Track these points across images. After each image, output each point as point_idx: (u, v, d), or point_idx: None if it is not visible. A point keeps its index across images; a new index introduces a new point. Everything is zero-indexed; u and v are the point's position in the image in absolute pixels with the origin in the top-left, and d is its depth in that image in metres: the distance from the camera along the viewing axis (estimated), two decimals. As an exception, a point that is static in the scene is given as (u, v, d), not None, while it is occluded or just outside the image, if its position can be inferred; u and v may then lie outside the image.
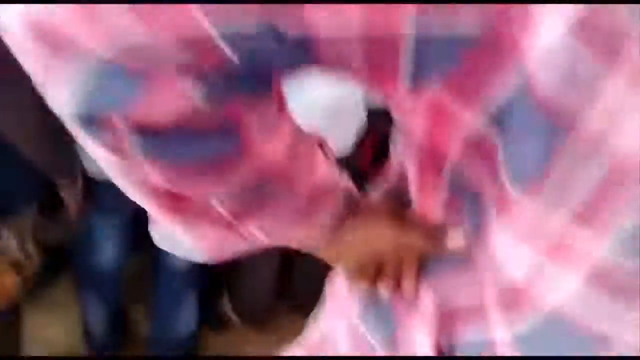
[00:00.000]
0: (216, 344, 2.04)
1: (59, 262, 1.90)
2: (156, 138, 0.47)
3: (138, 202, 0.56)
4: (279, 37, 0.42)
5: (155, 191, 0.53)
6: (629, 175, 0.41)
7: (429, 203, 0.59)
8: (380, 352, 0.68)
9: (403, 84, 0.46)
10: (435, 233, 0.61)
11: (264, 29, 0.41)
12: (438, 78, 0.45)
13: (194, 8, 0.40)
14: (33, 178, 1.40)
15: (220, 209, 0.56)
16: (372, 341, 0.68)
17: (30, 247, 1.48)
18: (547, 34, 0.39)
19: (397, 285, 0.65)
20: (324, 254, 0.69)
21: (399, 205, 0.65)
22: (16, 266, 1.45)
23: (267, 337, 2.01)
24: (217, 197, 0.55)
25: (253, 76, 0.47)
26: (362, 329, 0.69)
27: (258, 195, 0.57)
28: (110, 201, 1.64)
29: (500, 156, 0.46)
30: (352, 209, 0.65)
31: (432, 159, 0.53)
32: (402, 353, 0.66)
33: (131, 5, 0.39)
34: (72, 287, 1.94)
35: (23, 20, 0.41)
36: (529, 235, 0.47)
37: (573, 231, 0.45)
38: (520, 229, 0.48)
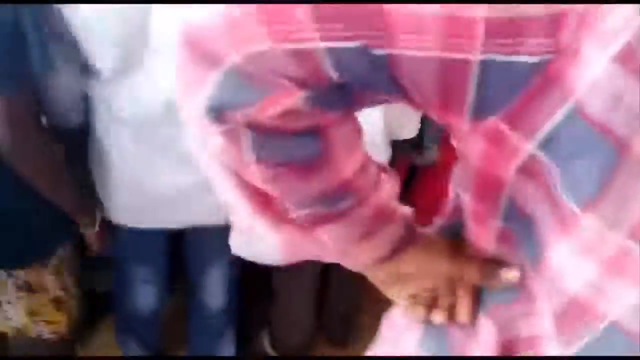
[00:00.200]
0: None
1: (107, 306, 1.93)
2: (262, 135, 0.56)
3: (232, 200, 0.64)
4: (371, 57, 0.49)
5: (252, 189, 0.61)
6: None
7: (483, 234, 0.62)
8: None
9: (468, 111, 0.50)
10: (490, 266, 0.63)
11: (361, 48, 0.48)
12: (498, 108, 0.49)
13: (310, 24, 0.47)
14: (62, 220, 1.45)
15: (298, 213, 0.63)
16: None
17: (71, 286, 1.52)
18: (594, 65, 0.43)
19: (452, 314, 0.67)
20: (380, 280, 0.72)
21: (454, 239, 0.68)
22: (58, 303, 1.50)
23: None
24: (297, 202, 0.62)
25: (346, 94, 0.54)
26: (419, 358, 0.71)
27: (330, 206, 0.62)
28: (145, 247, 1.69)
29: (555, 175, 0.49)
30: (410, 238, 0.68)
31: (487, 185, 0.56)
32: None
33: (261, 19, 0.49)
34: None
35: (182, 31, 0.53)
36: (588, 251, 0.49)
37: (631, 246, 0.47)
38: (579, 245, 0.49)
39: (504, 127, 0.50)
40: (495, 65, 0.46)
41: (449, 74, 0.48)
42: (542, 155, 0.49)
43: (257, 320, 2.10)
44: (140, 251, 1.71)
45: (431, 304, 0.69)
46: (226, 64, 0.52)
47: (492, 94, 0.48)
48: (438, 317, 0.68)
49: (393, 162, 1.62)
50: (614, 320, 0.50)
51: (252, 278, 1.84)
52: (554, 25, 0.43)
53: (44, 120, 1.39)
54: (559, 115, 0.46)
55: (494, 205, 0.57)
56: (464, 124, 0.51)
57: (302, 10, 0.48)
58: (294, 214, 0.63)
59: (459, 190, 0.62)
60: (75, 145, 1.53)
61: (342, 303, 2.08)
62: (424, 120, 1.61)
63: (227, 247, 1.66)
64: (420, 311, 0.69)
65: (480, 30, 0.45)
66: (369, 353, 0.84)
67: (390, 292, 0.73)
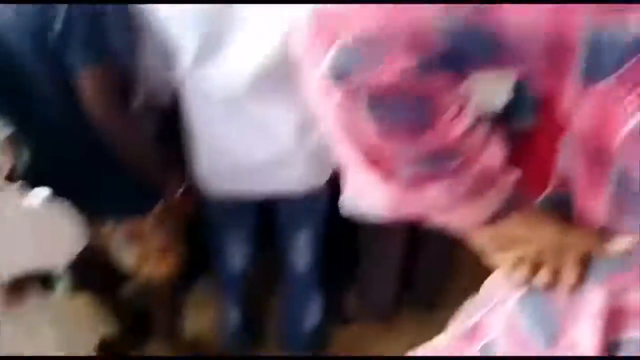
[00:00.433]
0: (342, 340, 2.07)
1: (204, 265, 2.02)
2: (375, 97, 0.63)
3: (346, 157, 0.71)
4: (478, 32, 0.54)
5: (365, 146, 0.68)
6: None
7: (593, 203, 0.63)
8: (535, 343, 0.71)
9: (576, 81, 0.52)
10: (598, 235, 0.64)
11: (470, 24, 0.55)
12: (611, 75, 0.50)
13: (428, 10, 0.56)
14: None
15: (407, 170, 0.68)
16: (530, 332, 0.72)
17: (174, 237, 1.65)
18: None
19: (557, 279, 0.69)
20: (485, 243, 0.74)
21: (562, 209, 0.69)
22: (163, 252, 1.64)
23: (392, 332, 2.05)
24: (406, 160, 0.67)
25: (455, 62, 0.59)
26: (520, 319, 0.73)
27: (437, 165, 0.67)
28: (235, 210, 1.75)
29: None
30: (515, 203, 0.70)
31: (598, 155, 0.57)
32: (562, 347, 0.69)
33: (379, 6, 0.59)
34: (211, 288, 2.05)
35: (313, 14, 0.63)
36: None
37: None
38: None
39: (616, 90, 0.49)
40: (606, 29, 0.46)
41: (558, 37, 0.50)
42: None
43: (343, 281, 2.13)
44: (230, 214, 1.77)
45: (535, 268, 0.70)
46: (350, 34, 0.59)
47: (604, 56, 0.48)
48: (543, 276, 0.69)
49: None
50: None
51: (338, 239, 1.86)
52: None
53: (136, 101, 1.47)
54: None
55: (604, 171, 0.57)
56: (572, 89, 0.52)
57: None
58: (402, 171, 0.68)
59: (568, 158, 0.64)
60: (166, 123, 1.61)
61: (430, 268, 2.08)
62: (517, 87, 1.57)
63: (315, 210, 1.70)
64: (524, 273, 0.71)
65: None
66: (462, 313, 0.88)
67: (493, 255, 0.75)
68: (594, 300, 0.65)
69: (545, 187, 0.75)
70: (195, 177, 1.62)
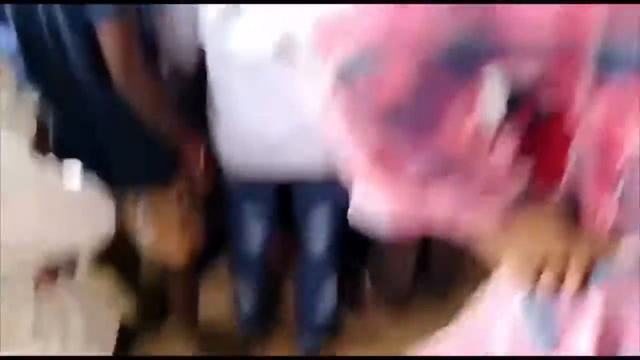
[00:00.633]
0: (355, 325, 2.09)
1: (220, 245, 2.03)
2: (381, 102, 0.63)
3: (351, 155, 0.70)
4: (484, 36, 0.55)
5: (370, 149, 0.68)
6: None
7: (603, 202, 0.62)
8: (538, 347, 0.71)
9: (588, 77, 0.51)
10: (605, 240, 0.64)
11: (475, 30, 0.55)
12: (623, 73, 0.50)
13: (435, 11, 0.56)
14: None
15: (412, 169, 0.68)
16: (531, 335, 0.72)
17: (193, 211, 1.66)
18: None
19: (561, 282, 0.68)
20: (491, 243, 0.74)
21: (570, 211, 0.69)
22: (181, 225, 1.65)
23: (405, 319, 2.06)
24: (412, 159, 0.67)
25: (462, 63, 0.60)
26: (523, 323, 0.73)
27: (443, 166, 0.67)
28: (254, 187, 1.73)
29: None
30: (525, 205, 0.70)
31: (608, 155, 0.57)
32: (561, 350, 0.69)
33: (382, 17, 0.60)
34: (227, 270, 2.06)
35: (317, 23, 0.64)
36: None
37: None
38: None
39: (629, 86, 0.48)
40: (619, 25, 0.46)
41: (570, 35, 0.50)
42: None
43: (358, 267, 2.14)
44: (250, 192, 1.76)
45: (541, 269, 0.70)
46: (355, 41, 0.60)
47: (617, 52, 0.48)
48: (547, 278, 0.69)
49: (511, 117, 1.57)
50: None
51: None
52: None
53: (163, 69, 1.45)
54: None
55: (614, 167, 0.57)
56: (585, 85, 0.51)
57: None
58: (408, 170, 0.68)
59: (579, 155, 0.63)
60: (191, 90, 1.59)
61: (445, 255, 2.08)
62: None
63: (332, 191, 1.70)
64: (529, 273, 0.71)
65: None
66: (469, 307, 0.88)
67: (500, 255, 0.75)
68: (593, 305, 0.65)
69: (555, 183, 0.74)
70: (215, 152, 1.61)
